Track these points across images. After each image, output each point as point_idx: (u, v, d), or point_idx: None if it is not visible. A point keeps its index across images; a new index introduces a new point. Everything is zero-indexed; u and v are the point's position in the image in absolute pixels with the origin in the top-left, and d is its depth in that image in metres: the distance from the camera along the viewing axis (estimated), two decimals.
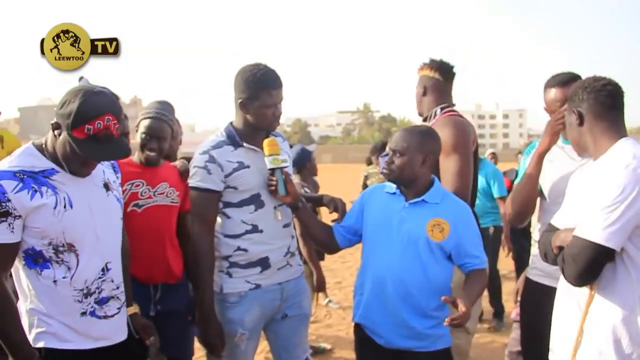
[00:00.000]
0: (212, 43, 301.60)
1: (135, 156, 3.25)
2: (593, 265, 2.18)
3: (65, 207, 2.24)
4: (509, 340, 3.92)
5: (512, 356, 3.65)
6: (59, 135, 2.23)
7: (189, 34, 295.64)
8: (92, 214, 2.33)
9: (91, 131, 2.18)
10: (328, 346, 5.71)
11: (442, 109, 3.42)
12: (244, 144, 2.92)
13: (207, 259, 2.89)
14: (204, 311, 2.88)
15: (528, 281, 3.14)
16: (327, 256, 5.62)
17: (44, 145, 2.30)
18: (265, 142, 2.92)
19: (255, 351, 3.07)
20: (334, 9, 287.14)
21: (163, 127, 3.22)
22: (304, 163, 5.04)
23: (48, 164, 2.26)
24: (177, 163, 3.45)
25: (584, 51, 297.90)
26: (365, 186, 7.51)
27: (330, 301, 7.29)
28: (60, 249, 2.25)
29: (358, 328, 2.97)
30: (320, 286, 4.83)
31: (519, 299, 3.31)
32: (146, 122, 3.20)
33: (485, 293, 6.11)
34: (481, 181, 5.63)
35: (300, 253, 4.33)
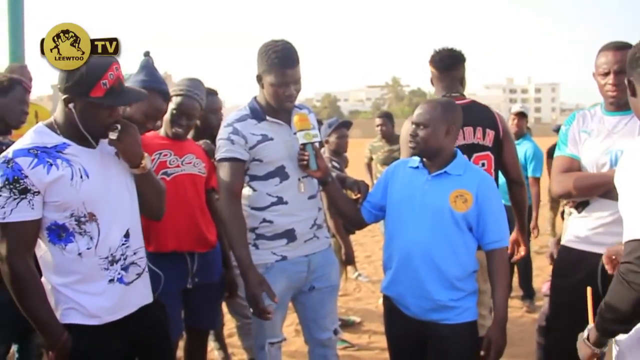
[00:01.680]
0: (240, 19, 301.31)
1: (162, 130, 3.31)
2: None
3: (81, 177, 2.27)
4: (539, 315, 3.90)
5: (542, 331, 3.62)
6: (75, 107, 2.27)
7: (216, 11, 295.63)
8: (108, 182, 2.36)
9: (107, 84, 2.23)
10: (357, 319, 5.75)
11: None
12: (267, 118, 2.94)
13: (234, 222, 2.88)
14: (241, 269, 2.86)
15: (562, 248, 3.12)
16: (356, 230, 5.63)
17: (54, 124, 2.34)
18: (296, 117, 2.93)
19: (283, 322, 3.12)
20: None
21: (194, 105, 3.28)
22: (327, 133, 5.05)
23: (59, 139, 2.29)
24: (201, 143, 3.52)
25: (620, 26, 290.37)
26: (371, 160, 7.06)
27: (359, 275, 7.32)
28: (82, 219, 2.29)
29: (387, 298, 3.00)
30: (348, 259, 4.84)
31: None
32: (178, 100, 3.25)
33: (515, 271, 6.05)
34: (519, 158, 5.45)
35: (328, 227, 4.34)
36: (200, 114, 3.39)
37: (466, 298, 2.81)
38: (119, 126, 2.32)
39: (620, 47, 2.91)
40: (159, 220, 2.77)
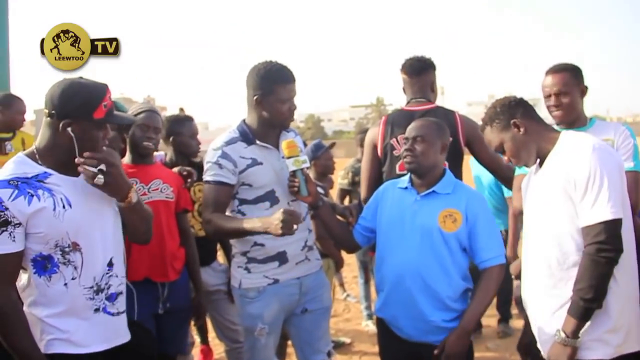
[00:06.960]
0: (224, 40, 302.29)
1: (126, 158, 3.33)
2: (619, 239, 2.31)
3: (64, 207, 2.22)
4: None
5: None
6: (73, 130, 2.22)
7: (201, 32, 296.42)
8: (91, 211, 2.32)
9: (107, 107, 2.27)
10: (347, 340, 5.71)
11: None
12: (257, 142, 2.94)
13: (223, 218, 2.88)
14: (261, 229, 2.75)
15: None
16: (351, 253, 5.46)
17: (34, 152, 2.29)
18: (284, 144, 2.91)
19: (276, 345, 3.09)
20: (346, 3, 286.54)
21: (157, 118, 3.35)
22: (313, 157, 4.91)
23: (40, 169, 2.24)
24: (175, 169, 3.62)
25: (598, 41, 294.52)
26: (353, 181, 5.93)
27: (348, 295, 7.29)
28: (67, 249, 2.24)
29: (380, 320, 2.99)
30: (338, 265, 4.76)
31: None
32: (142, 116, 3.30)
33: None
34: (488, 179, 5.13)
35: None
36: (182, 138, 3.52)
37: (459, 318, 2.79)
38: (103, 167, 2.26)
39: (558, 70, 3.10)
40: (146, 245, 2.75)
